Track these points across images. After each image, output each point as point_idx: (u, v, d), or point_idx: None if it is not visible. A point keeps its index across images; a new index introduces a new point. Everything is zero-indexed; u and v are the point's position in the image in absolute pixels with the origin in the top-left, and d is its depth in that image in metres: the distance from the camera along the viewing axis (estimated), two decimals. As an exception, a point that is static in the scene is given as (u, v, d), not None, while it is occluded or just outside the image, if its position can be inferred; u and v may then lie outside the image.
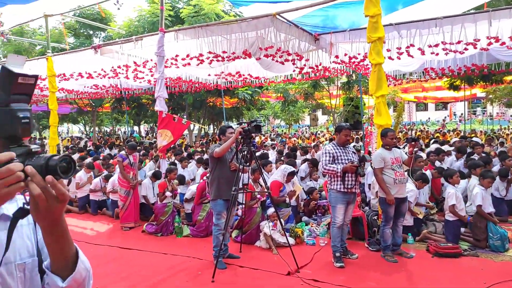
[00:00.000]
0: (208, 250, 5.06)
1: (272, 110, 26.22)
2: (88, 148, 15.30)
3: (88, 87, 12.36)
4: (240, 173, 4.67)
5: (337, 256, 4.66)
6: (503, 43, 6.41)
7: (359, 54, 7.46)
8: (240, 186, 4.71)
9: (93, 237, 6.27)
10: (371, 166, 5.08)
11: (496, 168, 6.97)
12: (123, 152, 7.08)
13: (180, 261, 4.98)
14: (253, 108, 19.73)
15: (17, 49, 16.86)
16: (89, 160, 9.78)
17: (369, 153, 8.34)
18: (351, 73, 12.17)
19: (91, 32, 19.04)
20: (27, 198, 0.88)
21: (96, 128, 26.01)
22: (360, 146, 11.99)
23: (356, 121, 14.95)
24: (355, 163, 4.65)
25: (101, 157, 10.47)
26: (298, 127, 33.07)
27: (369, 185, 6.54)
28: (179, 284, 4.26)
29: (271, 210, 5.45)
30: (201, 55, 7.33)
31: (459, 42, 6.42)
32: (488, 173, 5.47)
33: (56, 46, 13.08)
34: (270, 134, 25.27)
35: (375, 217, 5.55)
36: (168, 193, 6.31)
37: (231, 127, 5.13)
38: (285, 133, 26.70)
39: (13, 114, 0.85)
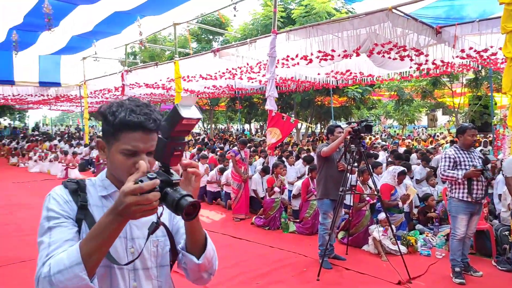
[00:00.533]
0: (313, 248, 5.10)
1: (384, 109, 24.80)
2: (204, 142, 16.73)
3: (207, 87, 13.53)
4: (348, 173, 4.59)
5: (457, 271, 4.22)
6: None
7: (491, 47, 6.57)
8: (348, 187, 4.62)
9: (208, 225, 6.87)
10: (503, 175, 4.46)
11: None
12: (235, 148, 7.57)
13: (286, 255, 5.13)
14: (363, 107, 18.96)
15: (151, 55, 19.33)
16: (204, 152, 10.71)
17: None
18: (479, 68, 10.78)
19: (211, 37, 20.73)
20: (160, 210, 1.03)
21: (213, 125, 28.18)
22: (489, 150, 10.55)
23: (484, 122, 13.20)
24: (479, 167, 4.13)
25: (218, 153, 11.36)
26: (413, 128, 30.60)
27: (499, 195, 5.73)
28: (285, 278, 4.40)
29: (382, 215, 5.21)
30: (311, 54, 7.38)
31: None
32: None
33: (182, 51, 14.59)
34: (381, 135, 23.95)
35: (506, 233, 4.85)
36: (276, 189, 6.55)
37: (339, 126, 5.06)
38: (398, 134, 25.00)
39: (170, 146, 1.01)
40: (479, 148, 10.23)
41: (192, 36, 18.44)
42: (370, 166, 5.25)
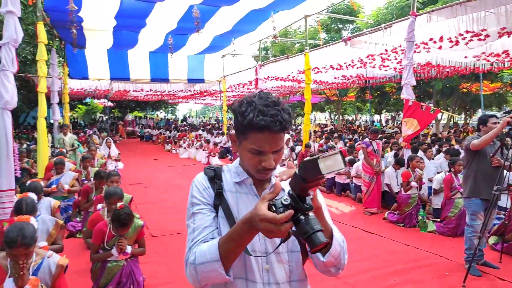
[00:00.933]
0: (457, 251, 4.62)
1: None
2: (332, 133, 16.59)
3: (336, 78, 13.33)
4: (505, 170, 3.98)
5: None
6: None
7: None
8: (505, 186, 4.01)
9: (338, 216, 6.84)
10: None
11: None
12: (367, 139, 7.32)
13: (424, 256, 4.76)
14: (525, 93, 15.97)
15: (282, 48, 20.01)
16: (332, 143, 10.64)
17: None
18: None
19: (340, 26, 20.27)
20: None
21: (340, 117, 27.68)
22: None
23: None
24: None
25: (347, 144, 11.16)
26: None
27: None
28: (424, 279, 4.10)
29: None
30: (460, 35, 6.58)
31: None
32: None
33: (311, 43, 14.71)
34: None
35: None
36: (413, 183, 6.10)
37: (494, 116, 4.41)
38: None
39: (307, 187, 1.02)
40: None
41: (321, 27, 18.35)
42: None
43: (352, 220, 6.52)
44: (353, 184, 8.01)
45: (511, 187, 4.21)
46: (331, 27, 20.30)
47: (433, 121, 16.93)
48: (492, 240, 4.99)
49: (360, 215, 6.87)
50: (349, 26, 20.19)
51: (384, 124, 28.91)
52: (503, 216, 5.18)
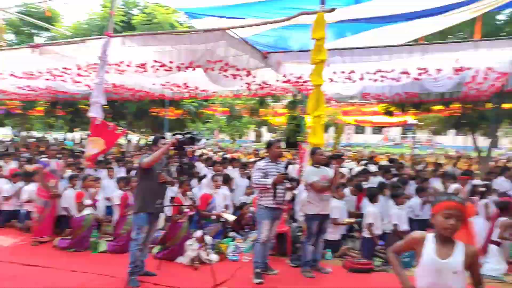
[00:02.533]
0: (125, 267, 4.59)
1: (217, 124, 25.88)
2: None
3: (20, 87, 11.42)
4: (169, 186, 4.54)
5: (257, 272, 4.62)
6: (430, 75, 7.00)
7: (303, 75, 7.63)
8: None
9: None
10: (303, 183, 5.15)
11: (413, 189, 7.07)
12: (45, 159, 6.59)
13: (90, 278, 4.62)
14: (198, 120, 19.25)
15: None
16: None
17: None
18: (296, 93, 12.43)
19: (34, 31, 17.90)
20: None
21: (25, 133, 23.93)
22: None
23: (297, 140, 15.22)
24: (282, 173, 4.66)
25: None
26: (243, 143, 33.07)
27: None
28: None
29: (198, 233, 5.23)
30: (147, 63, 7.09)
31: (393, 70, 6.95)
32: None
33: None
34: (213, 148, 24.84)
35: (299, 233, 5.61)
36: (87, 202, 5.96)
37: (163, 137, 4.93)
38: (223, 148, 26.05)
39: None
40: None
41: (9, 27, 15.60)
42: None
43: (11, 255, 5.47)
44: (24, 210, 6.81)
45: (173, 200, 4.81)
46: (22, 30, 17.59)
47: (125, 141, 17.71)
48: (156, 249, 5.47)
49: (25, 247, 5.89)
50: (44, 34, 18.15)
51: (79, 142, 27.32)
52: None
